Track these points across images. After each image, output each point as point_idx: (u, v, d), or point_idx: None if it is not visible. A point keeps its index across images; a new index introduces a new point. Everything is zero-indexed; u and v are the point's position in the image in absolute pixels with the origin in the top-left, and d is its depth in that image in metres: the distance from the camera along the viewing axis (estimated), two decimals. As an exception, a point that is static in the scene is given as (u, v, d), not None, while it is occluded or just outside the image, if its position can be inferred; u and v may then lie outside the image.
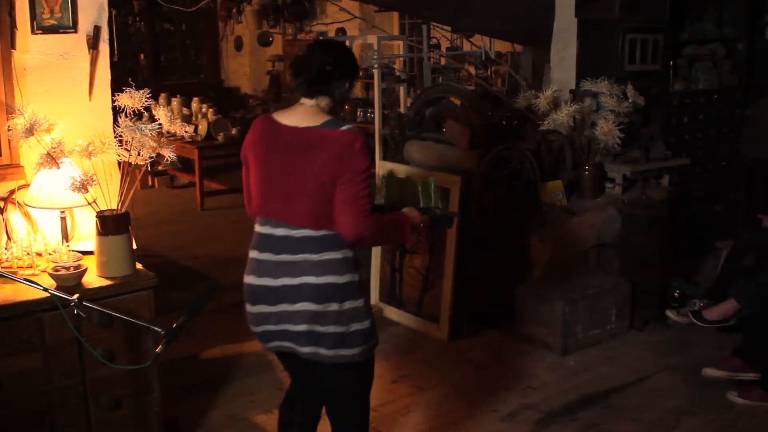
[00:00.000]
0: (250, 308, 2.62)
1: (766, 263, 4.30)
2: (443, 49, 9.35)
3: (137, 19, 12.65)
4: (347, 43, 8.48)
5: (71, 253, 3.23)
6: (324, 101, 2.57)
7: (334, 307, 2.50)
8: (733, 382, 3.95)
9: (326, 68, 2.54)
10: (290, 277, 2.50)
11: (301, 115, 2.56)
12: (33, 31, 3.31)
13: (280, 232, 2.54)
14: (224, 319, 4.91)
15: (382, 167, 5.07)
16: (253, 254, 2.62)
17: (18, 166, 3.46)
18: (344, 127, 2.49)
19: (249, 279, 2.61)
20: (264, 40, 12.62)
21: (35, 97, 3.35)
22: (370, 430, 3.12)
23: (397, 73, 7.38)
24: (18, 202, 3.40)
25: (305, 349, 2.53)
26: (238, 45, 13.15)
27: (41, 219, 3.43)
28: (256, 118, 2.71)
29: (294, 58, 2.64)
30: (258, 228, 2.63)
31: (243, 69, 13.26)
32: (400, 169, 4.85)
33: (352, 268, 2.56)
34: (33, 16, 3.29)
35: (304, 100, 2.58)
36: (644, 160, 5.29)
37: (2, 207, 3.37)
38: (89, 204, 3.19)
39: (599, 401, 3.90)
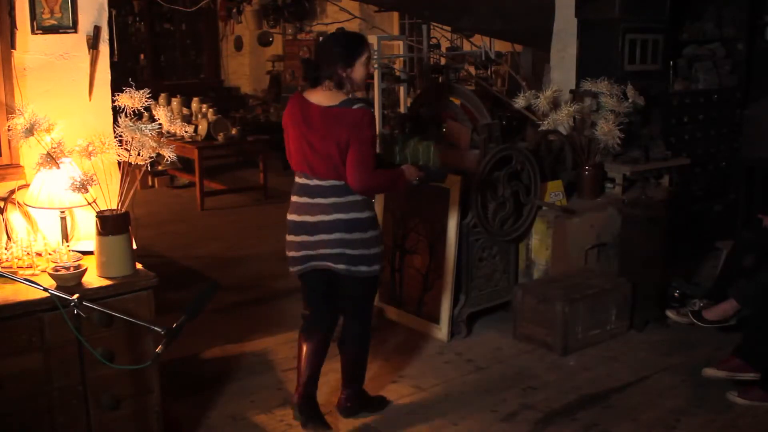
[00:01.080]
0: (293, 238, 3.42)
1: (766, 263, 4.30)
2: (443, 49, 9.35)
3: (137, 19, 12.65)
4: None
5: (71, 253, 3.23)
6: (330, 84, 3.31)
7: (358, 235, 3.34)
8: (733, 382, 3.95)
9: (316, 67, 3.33)
10: (325, 215, 3.32)
11: (323, 96, 3.31)
12: (33, 31, 3.31)
13: (313, 182, 3.35)
14: (224, 319, 4.92)
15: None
16: (294, 198, 3.43)
17: (18, 166, 3.46)
18: (356, 106, 3.25)
19: (292, 217, 3.42)
20: (264, 40, 12.62)
21: (35, 97, 3.35)
22: (370, 430, 3.54)
23: (397, 73, 7.38)
24: (18, 202, 3.40)
25: (340, 266, 3.36)
26: (238, 45, 13.15)
27: (41, 219, 3.43)
28: (293, 95, 3.44)
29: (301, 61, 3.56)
30: (297, 179, 3.43)
31: (243, 69, 13.26)
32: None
33: (371, 205, 3.43)
34: (33, 16, 3.29)
35: (323, 84, 3.33)
36: (644, 160, 5.29)
37: (2, 207, 3.37)
38: (89, 204, 3.19)
39: (599, 401, 3.90)
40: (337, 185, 3.30)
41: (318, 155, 3.27)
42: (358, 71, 3.30)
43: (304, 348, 3.56)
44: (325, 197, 3.31)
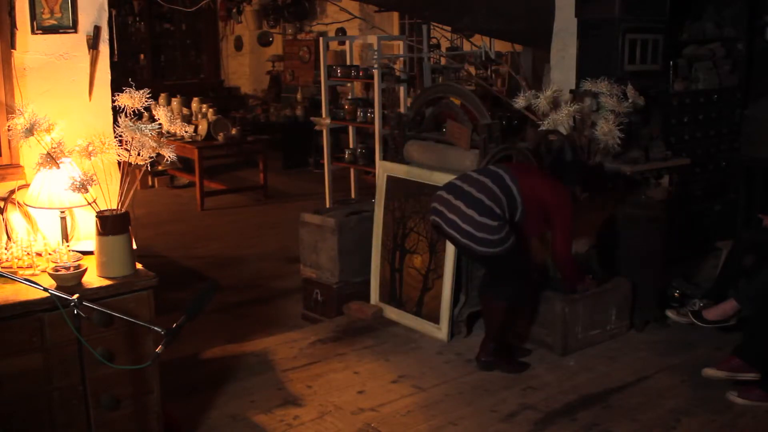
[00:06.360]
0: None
1: (766, 263, 4.30)
2: (443, 49, 9.36)
3: (137, 19, 12.66)
4: (347, 43, 8.49)
5: (71, 253, 3.23)
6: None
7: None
8: (733, 382, 3.95)
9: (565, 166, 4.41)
10: None
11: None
12: (33, 31, 3.31)
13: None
14: (224, 319, 4.92)
15: (382, 167, 5.07)
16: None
17: (18, 166, 3.46)
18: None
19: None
20: (264, 40, 12.64)
21: (35, 97, 3.35)
22: (370, 430, 3.50)
23: (397, 73, 7.38)
24: (18, 202, 3.40)
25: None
26: (238, 45, 13.17)
27: (41, 219, 3.43)
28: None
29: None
30: None
31: (243, 69, 13.27)
32: (401, 170, 4.86)
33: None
34: (33, 16, 3.30)
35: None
36: (644, 160, 5.28)
37: (2, 207, 3.37)
38: (89, 204, 3.19)
39: (599, 401, 3.90)
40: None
41: None
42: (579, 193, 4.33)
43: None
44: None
